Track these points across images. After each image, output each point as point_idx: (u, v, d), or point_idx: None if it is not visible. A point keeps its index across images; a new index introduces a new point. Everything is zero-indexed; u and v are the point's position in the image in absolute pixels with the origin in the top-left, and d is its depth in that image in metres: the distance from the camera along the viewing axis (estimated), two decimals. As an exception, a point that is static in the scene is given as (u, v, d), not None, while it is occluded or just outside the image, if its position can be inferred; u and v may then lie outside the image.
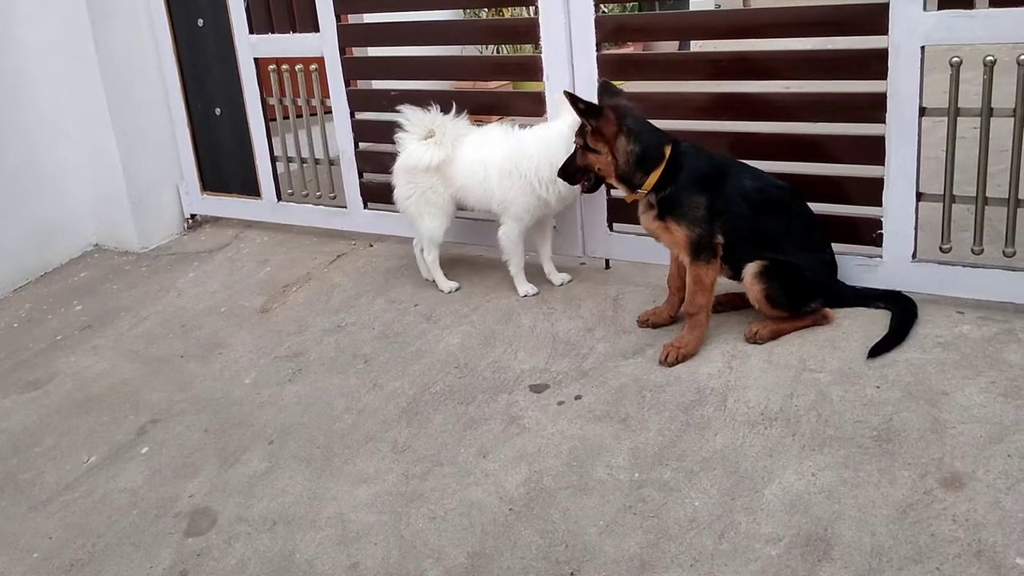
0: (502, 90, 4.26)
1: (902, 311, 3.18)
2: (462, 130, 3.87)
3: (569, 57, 3.77)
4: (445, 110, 3.84)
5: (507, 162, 3.72)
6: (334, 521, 2.73)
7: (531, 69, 3.93)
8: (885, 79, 3.15)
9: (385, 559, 2.56)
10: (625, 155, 3.10)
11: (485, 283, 4.08)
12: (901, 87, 3.12)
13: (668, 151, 3.10)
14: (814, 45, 3.71)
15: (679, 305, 3.42)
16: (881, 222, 3.31)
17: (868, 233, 3.34)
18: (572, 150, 3.32)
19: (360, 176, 4.59)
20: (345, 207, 4.71)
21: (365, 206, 4.63)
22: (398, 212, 4.09)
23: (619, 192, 3.32)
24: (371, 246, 4.71)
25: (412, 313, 3.91)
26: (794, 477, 2.59)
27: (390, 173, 4.03)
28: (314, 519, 2.76)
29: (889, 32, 3.10)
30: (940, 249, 3.28)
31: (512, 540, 2.56)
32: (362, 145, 4.59)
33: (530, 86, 4.15)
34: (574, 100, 3.11)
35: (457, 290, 4.02)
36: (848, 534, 2.37)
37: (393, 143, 3.95)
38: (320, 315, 4.02)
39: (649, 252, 3.77)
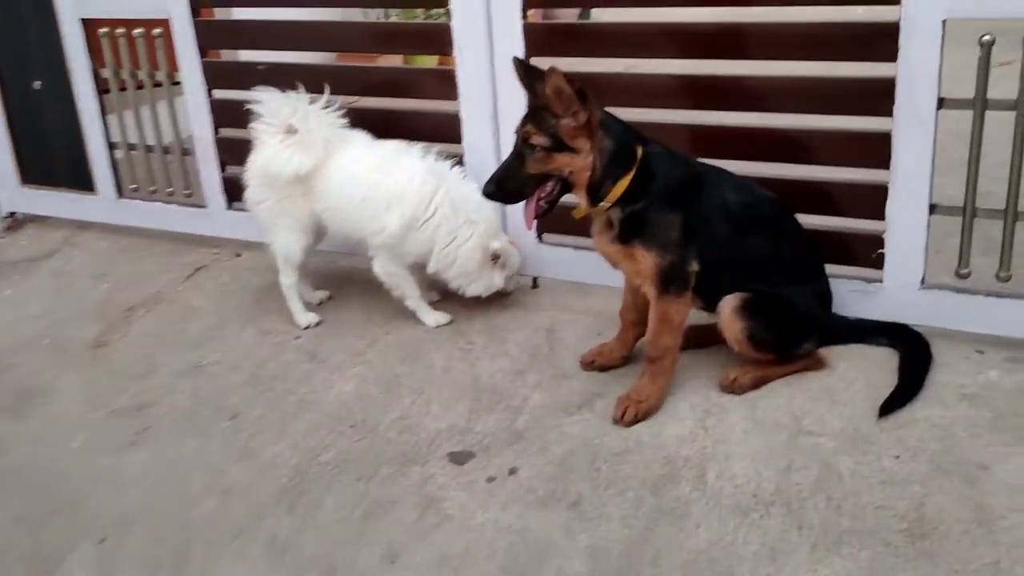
0: (401, 67, 3.54)
1: (912, 352, 2.68)
2: (335, 128, 3.19)
3: (487, 25, 3.13)
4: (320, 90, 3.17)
5: (433, 201, 3.10)
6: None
7: (436, 40, 3.27)
8: (894, 61, 2.62)
9: None
10: (601, 153, 2.47)
11: (383, 308, 3.40)
12: (915, 72, 2.60)
13: (638, 152, 2.49)
14: (805, 18, 3.08)
15: (633, 342, 2.85)
16: (883, 239, 2.81)
17: (866, 252, 2.84)
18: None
19: (222, 169, 3.87)
20: (204, 206, 3.99)
21: (229, 206, 3.93)
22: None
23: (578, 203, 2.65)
24: (238, 256, 3.97)
25: (292, 349, 3.22)
26: (811, 594, 2.05)
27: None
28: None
29: (902, 1, 2.57)
30: (957, 274, 2.78)
31: None
32: (223, 131, 3.86)
33: (423, 60, 3.47)
34: (528, 71, 2.50)
35: (317, 325, 3.35)
36: None
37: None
38: (173, 351, 3.27)
39: (589, 270, 3.19)
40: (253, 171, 3.26)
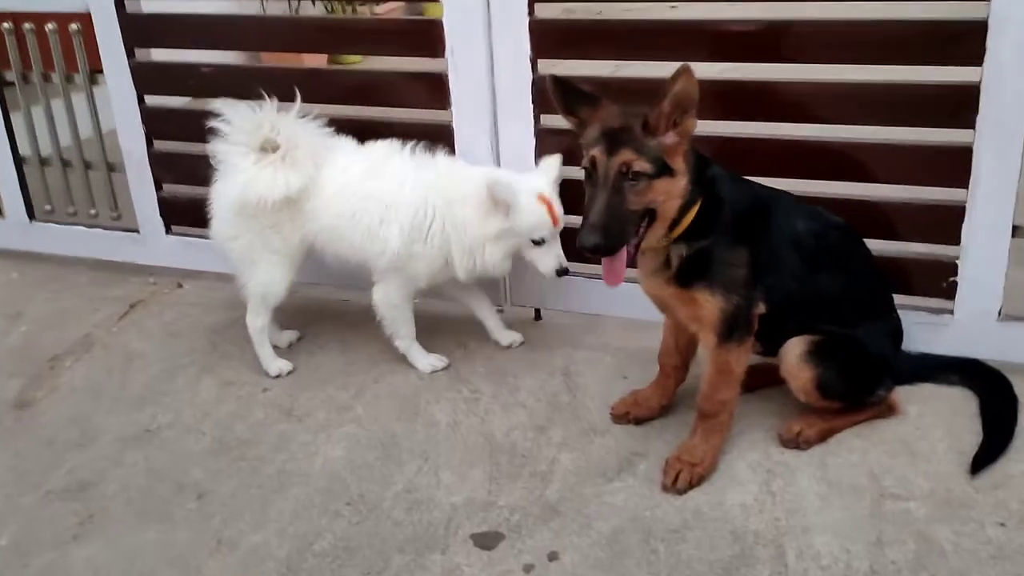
0: (381, 70, 3.05)
1: (993, 393, 2.39)
2: (322, 139, 2.75)
3: (486, 20, 2.69)
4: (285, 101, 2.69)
5: (428, 203, 2.66)
6: None
7: (425, 39, 2.81)
8: (980, 64, 2.30)
9: None
10: (687, 177, 2.10)
11: (366, 349, 2.97)
12: (1004, 76, 2.28)
13: (707, 176, 2.14)
14: (871, 14, 2.65)
15: (674, 390, 2.50)
16: (955, 265, 2.50)
17: (935, 280, 2.53)
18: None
19: (158, 188, 3.35)
20: (137, 231, 3.46)
21: (168, 230, 3.42)
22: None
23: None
24: (180, 287, 3.47)
25: (262, 404, 2.75)
26: None
27: (204, 184, 2.85)
28: None
29: (991, -4, 2.27)
30: (1041, 305, 2.49)
31: None
32: (159, 144, 3.34)
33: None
34: (570, 95, 2.14)
35: (290, 373, 2.90)
36: None
37: (206, 140, 2.73)
38: (115, 411, 2.77)
39: (602, 300, 2.81)
40: (226, 202, 2.77)
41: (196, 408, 2.75)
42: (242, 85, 2.77)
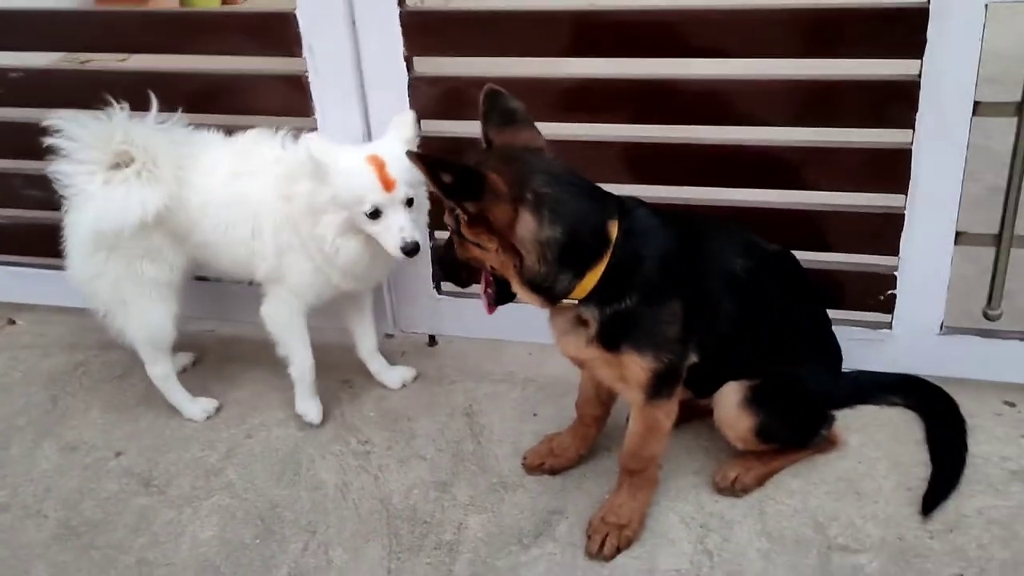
0: (231, 72, 2.59)
1: (939, 417, 2.20)
2: (183, 143, 2.32)
3: (348, 13, 2.31)
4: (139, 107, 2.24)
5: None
6: None
7: (276, 34, 2.40)
8: (919, 57, 2.04)
9: None
10: (537, 248, 1.74)
11: (238, 392, 2.60)
12: (945, 69, 2.03)
13: (613, 230, 1.78)
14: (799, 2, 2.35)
15: (594, 438, 2.22)
16: (894, 277, 2.28)
17: (872, 293, 2.31)
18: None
19: (-26, 213, 2.85)
20: (-50, 261, 2.96)
21: (-10, 259, 2.93)
22: (54, 268, 2.50)
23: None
24: (12, 323, 2.98)
25: (115, 472, 2.35)
26: None
27: (26, 204, 2.38)
28: None
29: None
30: (985, 315, 2.28)
31: None
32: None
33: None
34: (430, 164, 1.69)
35: (218, 411, 2.52)
36: None
37: (27, 156, 2.27)
38: (-65, 490, 2.35)
39: (503, 323, 2.49)
40: (79, 235, 2.31)
41: (36, 483, 2.33)
42: (64, 90, 2.32)
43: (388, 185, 2.09)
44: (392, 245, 2.13)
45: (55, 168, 2.24)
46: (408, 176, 2.10)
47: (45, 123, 2.21)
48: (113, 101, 2.22)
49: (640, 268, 1.79)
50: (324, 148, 2.13)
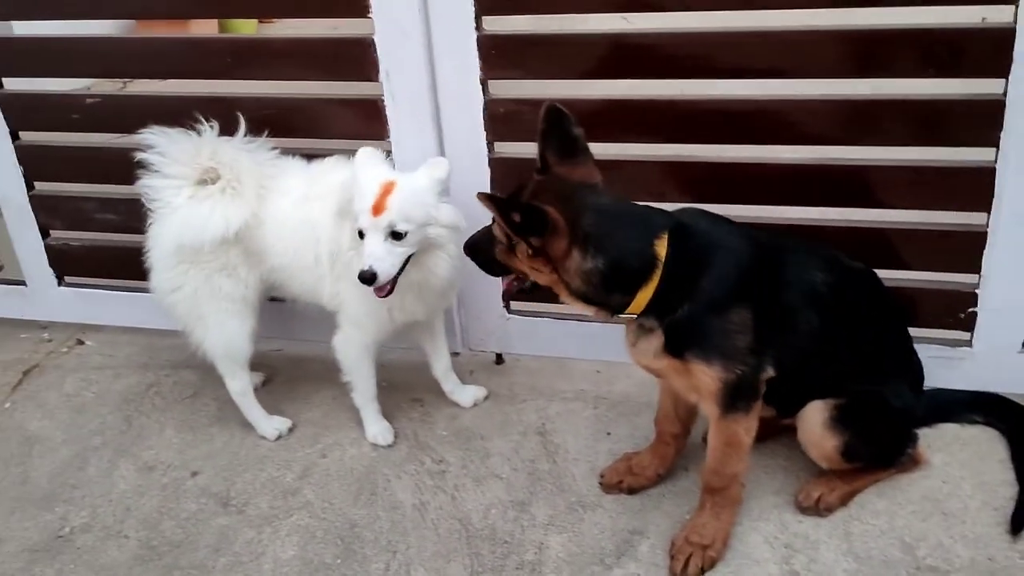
0: (306, 95, 2.62)
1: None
2: (269, 167, 2.38)
3: (426, 36, 2.34)
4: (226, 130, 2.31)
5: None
6: None
7: (353, 59, 2.43)
8: (1005, 76, 2.04)
9: None
10: (581, 275, 1.84)
11: (310, 411, 2.63)
12: (1031, 89, 2.04)
13: (661, 249, 1.82)
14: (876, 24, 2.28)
15: (674, 458, 2.23)
16: (975, 295, 2.27)
17: (952, 312, 2.31)
18: None
19: (44, 235, 2.92)
20: (24, 283, 3.02)
21: (60, 281, 2.99)
22: (123, 289, 2.53)
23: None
24: (80, 344, 3.03)
25: (192, 492, 2.38)
26: None
27: (100, 229, 2.41)
28: None
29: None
30: (1069, 333, 2.27)
31: None
32: (41, 186, 2.88)
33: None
34: (500, 205, 1.79)
35: (291, 431, 2.56)
36: None
37: (100, 180, 2.31)
38: (17, 511, 2.36)
39: (569, 341, 2.55)
40: (161, 248, 2.37)
41: (115, 504, 2.36)
42: (140, 115, 2.35)
43: (377, 210, 2.10)
44: (355, 266, 2.16)
45: (143, 182, 2.31)
46: (409, 211, 2.12)
47: (137, 138, 2.29)
48: (203, 120, 2.29)
49: (697, 278, 1.84)
50: (366, 158, 2.20)
